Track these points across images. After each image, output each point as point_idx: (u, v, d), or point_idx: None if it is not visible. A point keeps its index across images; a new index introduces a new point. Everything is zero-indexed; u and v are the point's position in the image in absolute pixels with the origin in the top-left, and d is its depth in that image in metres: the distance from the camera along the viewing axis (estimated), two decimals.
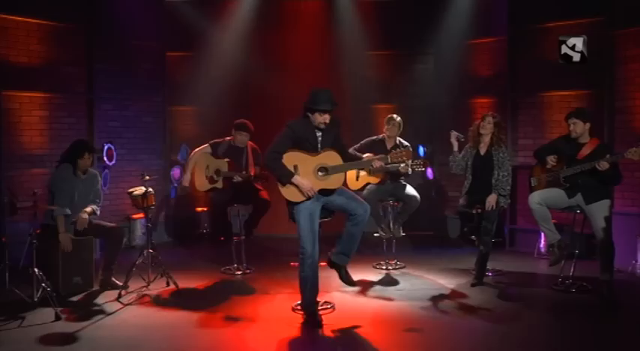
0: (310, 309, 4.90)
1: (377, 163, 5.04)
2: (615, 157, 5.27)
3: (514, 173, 7.74)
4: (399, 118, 6.73)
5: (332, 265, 5.09)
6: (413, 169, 6.34)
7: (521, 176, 7.64)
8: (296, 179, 4.80)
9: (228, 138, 6.68)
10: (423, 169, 6.47)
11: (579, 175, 5.45)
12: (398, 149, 5.14)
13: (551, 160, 5.67)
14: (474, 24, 8.28)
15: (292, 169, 4.83)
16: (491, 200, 5.85)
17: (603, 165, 5.23)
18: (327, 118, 4.90)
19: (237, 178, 6.38)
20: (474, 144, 6.07)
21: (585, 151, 5.50)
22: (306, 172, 4.88)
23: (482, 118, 6.04)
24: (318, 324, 4.80)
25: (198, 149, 6.73)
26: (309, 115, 4.91)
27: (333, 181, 4.90)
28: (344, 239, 5.00)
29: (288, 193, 4.87)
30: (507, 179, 5.91)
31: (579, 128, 5.53)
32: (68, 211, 5.62)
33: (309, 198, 4.83)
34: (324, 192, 4.90)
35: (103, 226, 5.86)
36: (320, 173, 4.89)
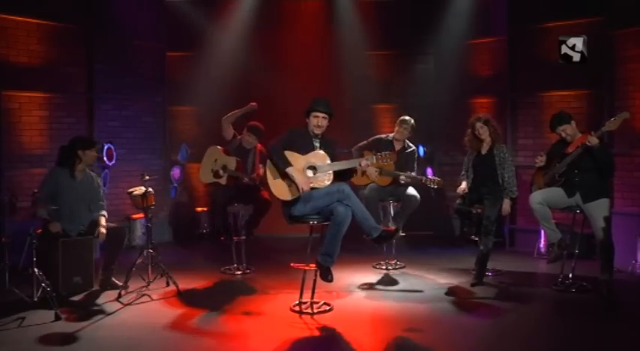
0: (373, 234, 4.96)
1: (364, 163, 5.14)
2: (600, 131, 5.26)
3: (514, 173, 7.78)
4: (412, 121, 6.62)
5: (317, 264, 5.09)
6: (426, 185, 6.40)
7: (520, 176, 7.65)
8: (291, 170, 4.94)
9: (239, 136, 6.70)
10: (435, 187, 6.48)
11: (575, 172, 5.44)
12: (386, 152, 5.19)
13: (538, 159, 5.68)
14: (474, 24, 8.29)
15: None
16: (506, 207, 5.90)
17: (592, 140, 5.21)
18: (321, 120, 5.10)
19: (245, 180, 6.42)
20: (474, 149, 6.09)
21: (574, 145, 5.50)
22: (296, 170, 5.01)
23: (471, 126, 6.03)
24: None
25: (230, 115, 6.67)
26: (307, 120, 5.14)
27: (321, 180, 5.02)
28: (326, 239, 5.00)
29: (278, 188, 4.99)
30: (513, 179, 5.93)
31: (570, 130, 5.53)
32: (45, 214, 5.56)
33: (296, 199, 4.93)
34: (312, 189, 5.00)
35: (107, 228, 5.83)
36: (309, 172, 5.03)
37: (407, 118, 6.66)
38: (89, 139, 5.91)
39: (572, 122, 5.54)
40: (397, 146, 6.65)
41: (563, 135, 5.56)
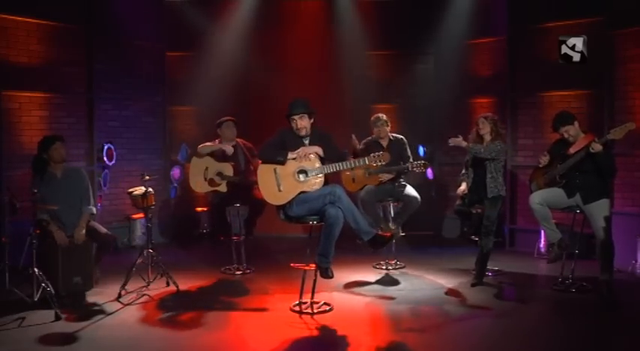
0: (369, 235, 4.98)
1: (356, 163, 5.16)
2: (604, 139, 5.25)
3: (514, 173, 7.79)
4: (384, 117, 6.70)
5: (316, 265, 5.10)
6: (414, 170, 6.36)
7: (521, 176, 7.66)
8: (291, 154, 5.02)
9: (216, 140, 6.67)
10: (424, 170, 6.47)
11: (576, 173, 5.44)
12: (378, 152, 5.18)
13: (542, 159, 5.67)
14: (474, 24, 8.28)
15: (272, 173, 5.03)
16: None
17: (596, 146, 5.20)
18: (299, 123, 5.14)
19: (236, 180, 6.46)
20: None
21: (576, 146, 5.48)
22: (286, 175, 5.02)
23: (476, 123, 6.05)
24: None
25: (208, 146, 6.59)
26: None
27: (312, 184, 5.04)
28: (320, 239, 5.01)
29: (270, 194, 5.04)
30: (492, 152, 5.82)
31: (573, 131, 5.52)
32: (46, 216, 5.56)
33: (291, 200, 4.94)
34: (303, 193, 5.02)
35: (96, 231, 5.79)
36: (300, 176, 5.04)
37: (378, 115, 6.73)
38: (47, 138, 5.81)
39: (576, 123, 5.51)
40: (384, 143, 6.67)
41: (566, 136, 5.54)
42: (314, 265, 5.07)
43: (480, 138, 6.02)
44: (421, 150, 8.38)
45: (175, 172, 8.64)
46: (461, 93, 8.58)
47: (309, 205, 4.98)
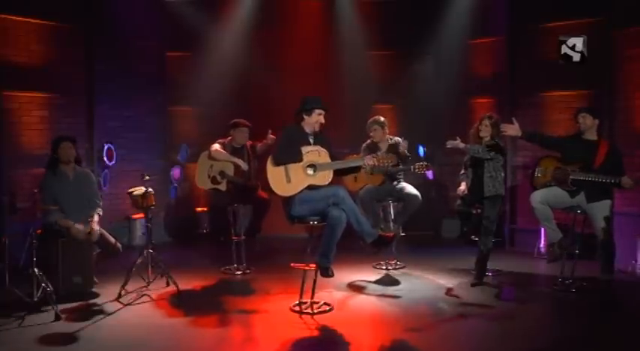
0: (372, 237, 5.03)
1: (369, 161, 5.17)
2: (635, 181, 5.32)
3: (514, 173, 7.78)
4: (380, 119, 6.66)
5: (316, 264, 5.10)
6: (415, 171, 6.37)
7: (521, 177, 7.65)
8: (303, 149, 5.05)
9: (228, 139, 6.68)
10: (425, 171, 6.47)
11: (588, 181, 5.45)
12: (385, 153, 5.19)
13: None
14: (474, 24, 8.29)
15: (282, 168, 5.04)
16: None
17: (627, 184, 5.30)
18: (321, 119, 5.15)
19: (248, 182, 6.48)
20: (473, 143, 6.08)
21: (600, 158, 5.47)
22: (296, 168, 5.05)
23: (480, 120, 6.03)
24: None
25: (219, 147, 6.59)
26: (306, 117, 5.14)
27: (320, 178, 5.07)
28: (322, 240, 5.02)
29: (278, 185, 5.02)
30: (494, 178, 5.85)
31: (589, 121, 5.53)
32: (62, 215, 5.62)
33: (294, 201, 4.96)
34: (312, 187, 5.04)
35: (105, 238, 5.81)
36: (309, 170, 5.05)
37: (375, 118, 6.69)
38: (57, 138, 5.91)
39: (597, 121, 5.54)
40: (383, 147, 6.65)
41: (580, 121, 5.55)
42: (314, 265, 5.08)
43: (479, 137, 6.01)
44: (421, 150, 8.38)
45: (175, 172, 8.64)
46: (461, 93, 8.58)
47: (312, 205, 4.98)
